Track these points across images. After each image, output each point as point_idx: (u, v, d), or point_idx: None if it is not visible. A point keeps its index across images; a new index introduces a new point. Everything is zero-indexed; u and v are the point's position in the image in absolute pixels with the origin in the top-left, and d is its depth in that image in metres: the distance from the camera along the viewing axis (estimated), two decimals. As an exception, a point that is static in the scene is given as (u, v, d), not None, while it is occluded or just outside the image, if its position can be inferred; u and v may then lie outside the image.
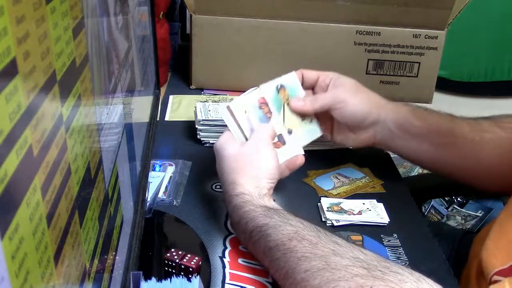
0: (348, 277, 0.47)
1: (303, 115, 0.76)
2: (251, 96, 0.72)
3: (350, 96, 0.74)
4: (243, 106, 0.70)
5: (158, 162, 0.81)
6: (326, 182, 0.80)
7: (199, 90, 1.10)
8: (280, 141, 0.73)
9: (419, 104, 0.79)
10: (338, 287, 0.46)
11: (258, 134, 0.68)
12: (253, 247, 0.60)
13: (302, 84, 0.77)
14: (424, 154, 0.75)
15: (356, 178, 0.82)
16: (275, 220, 0.57)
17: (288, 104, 0.75)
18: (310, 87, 0.78)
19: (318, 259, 0.50)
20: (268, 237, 0.56)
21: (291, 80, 0.75)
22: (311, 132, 0.77)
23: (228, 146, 0.67)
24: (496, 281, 0.56)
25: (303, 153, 0.73)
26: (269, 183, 0.65)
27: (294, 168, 0.72)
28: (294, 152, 0.73)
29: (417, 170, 1.65)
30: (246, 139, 0.69)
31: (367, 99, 0.75)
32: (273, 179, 0.65)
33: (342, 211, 0.72)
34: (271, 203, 0.62)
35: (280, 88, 0.74)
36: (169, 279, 0.56)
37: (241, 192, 0.62)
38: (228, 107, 0.69)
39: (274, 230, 0.56)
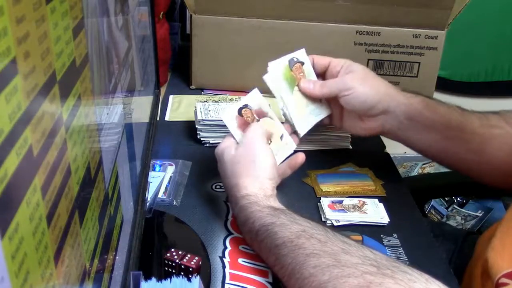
0: (357, 274, 0.47)
1: (313, 99, 0.77)
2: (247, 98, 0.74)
3: (359, 84, 0.73)
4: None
5: (158, 162, 0.81)
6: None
7: (199, 90, 1.10)
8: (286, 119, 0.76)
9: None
10: (347, 283, 0.46)
11: (249, 132, 0.68)
12: (259, 246, 0.60)
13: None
14: (432, 145, 0.75)
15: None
16: (282, 219, 0.57)
17: (298, 84, 0.76)
18: (321, 73, 0.78)
19: (328, 256, 0.50)
20: (275, 235, 0.56)
21: (304, 57, 0.77)
22: (316, 113, 0.78)
23: (227, 150, 0.68)
24: (504, 284, 0.56)
25: (295, 147, 0.75)
26: (271, 183, 0.65)
27: (296, 167, 0.72)
28: (290, 147, 0.75)
29: (417, 170, 1.65)
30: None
31: (377, 88, 0.74)
32: (273, 178, 0.66)
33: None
34: (277, 204, 0.63)
35: (295, 63, 0.76)
36: (169, 279, 0.56)
37: (246, 193, 0.63)
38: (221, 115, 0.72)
39: (281, 228, 0.56)
